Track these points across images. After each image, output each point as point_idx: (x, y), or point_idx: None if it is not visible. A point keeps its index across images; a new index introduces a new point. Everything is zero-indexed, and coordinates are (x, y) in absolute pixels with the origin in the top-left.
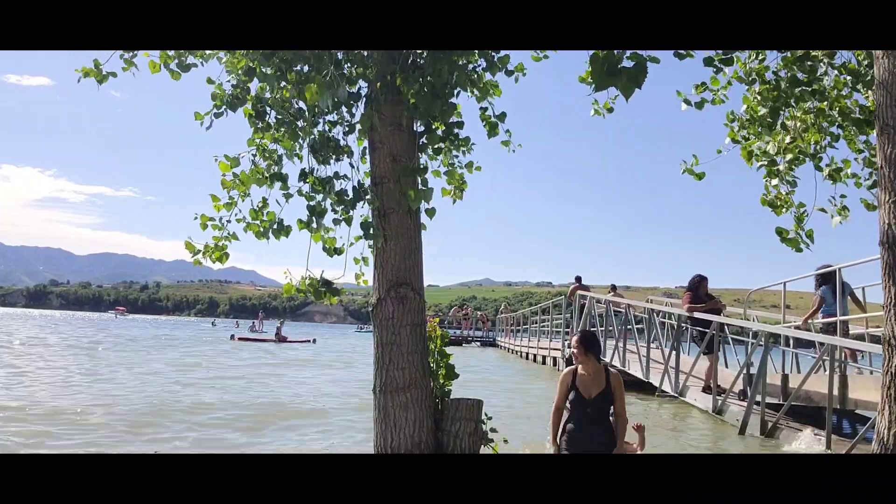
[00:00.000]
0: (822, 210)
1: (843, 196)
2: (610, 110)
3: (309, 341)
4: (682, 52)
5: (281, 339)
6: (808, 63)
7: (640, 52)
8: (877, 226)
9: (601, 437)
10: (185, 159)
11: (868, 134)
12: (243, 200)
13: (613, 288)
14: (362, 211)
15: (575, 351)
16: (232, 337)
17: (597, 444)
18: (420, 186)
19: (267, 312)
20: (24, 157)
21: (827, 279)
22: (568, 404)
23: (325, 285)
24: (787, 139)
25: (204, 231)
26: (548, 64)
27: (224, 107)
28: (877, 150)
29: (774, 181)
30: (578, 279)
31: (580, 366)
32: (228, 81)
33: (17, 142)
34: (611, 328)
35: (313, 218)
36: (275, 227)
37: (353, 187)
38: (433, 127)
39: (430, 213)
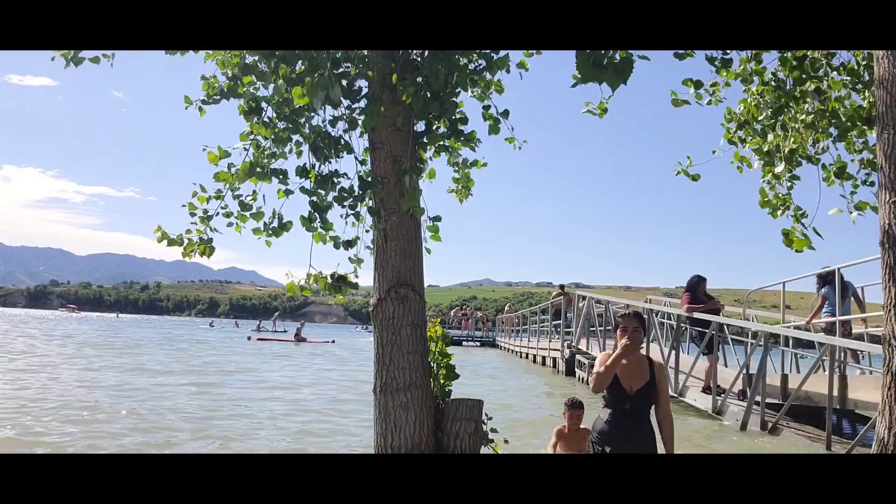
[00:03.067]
0: (840, 211)
1: (853, 192)
2: (605, 111)
3: (328, 342)
4: (681, 52)
5: (300, 339)
6: (807, 63)
7: (635, 52)
8: (877, 226)
9: (639, 439)
10: (188, 160)
11: (866, 135)
12: (233, 192)
13: (562, 288)
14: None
15: (627, 328)
16: (249, 338)
17: (634, 445)
18: (410, 187)
19: (268, 312)
20: (25, 157)
21: (829, 280)
22: (605, 394)
23: (339, 280)
24: (786, 140)
25: (194, 221)
26: (548, 63)
27: (217, 95)
28: (877, 150)
29: (773, 182)
30: (562, 287)
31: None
32: (224, 74)
33: (19, 142)
34: (609, 328)
35: (316, 214)
36: (274, 224)
37: (360, 176)
38: (434, 126)
39: (419, 212)
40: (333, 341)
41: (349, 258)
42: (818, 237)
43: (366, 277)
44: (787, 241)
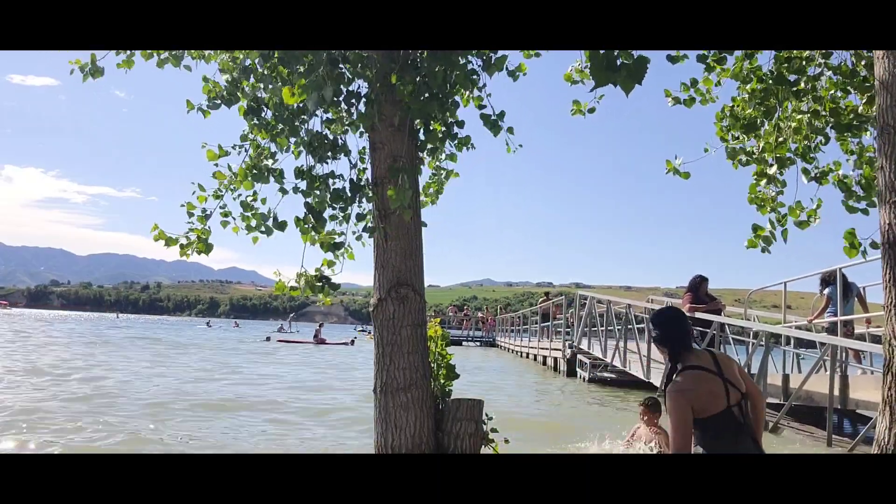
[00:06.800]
0: (798, 210)
1: (819, 201)
2: (592, 110)
3: (347, 343)
4: (673, 55)
5: (320, 341)
6: (797, 62)
7: (634, 51)
8: (876, 226)
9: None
10: (189, 160)
11: (859, 136)
12: (232, 193)
13: (546, 295)
14: (365, 207)
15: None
16: (268, 338)
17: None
18: (402, 186)
19: (268, 312)
20: (27, 157)
21: (832, 280)
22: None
23: (322, 280)
24: (779, 139)
25: (192, 220)
26: (547, 62)
27: (217, 100)
28: (876, 150)
29: (763, 181)
30: (547, 294)
31: None
32: (224, 78)
33: (21, 142)
34: (611, 328)
35: (310, 216)
36: (268, 222)
37: (351, 180)
38: (431, 127)
39: (407, 214)
40: (353, 342)
41: (325, 259)
42: (774, 240)
43: (366, 278)
44: (756, 235)
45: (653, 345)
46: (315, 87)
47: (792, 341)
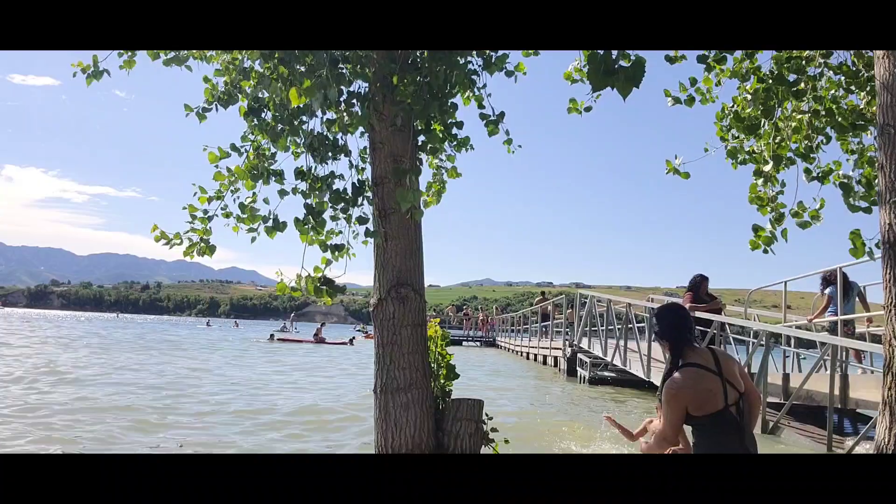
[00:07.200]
0: (800, 211)
1: (822, 201)
2: (588, 109)
3: (346, 343)
4: (672, 55)
5: (320, 340)
6: (797, 62)
7: (633, 52)
8: (877, 226)
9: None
10: (190, 160)
11: (859, 136)
12: (233, 194)
13: (542, 295)
14: (364, 209)
15: None
16: (271, 337)
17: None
18: (410, 187)
19: (269, 312)
20: (27, 157)
21: (833, 280)
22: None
23: (325, 283)
24: (778, 139)
25: (193, 221)
26: (547, 62)
27: (215, 102)
28: (877, 150)
29: (761, 180)
30: (543, 293)
31: None
32: (224, 80)
33: (22, 142)
34: (611, 327)
35: (310, 217)
36: (268, 224)
37: (353, 184)
38: (432, 127)
39: (418, 214)
40: (352, 341)
41: (323, 258)
42: (777, 241)
43: (366, 278)
44: (757, 236)
45: (654, 342)
46: (320, 87)
47: (792, 341)
